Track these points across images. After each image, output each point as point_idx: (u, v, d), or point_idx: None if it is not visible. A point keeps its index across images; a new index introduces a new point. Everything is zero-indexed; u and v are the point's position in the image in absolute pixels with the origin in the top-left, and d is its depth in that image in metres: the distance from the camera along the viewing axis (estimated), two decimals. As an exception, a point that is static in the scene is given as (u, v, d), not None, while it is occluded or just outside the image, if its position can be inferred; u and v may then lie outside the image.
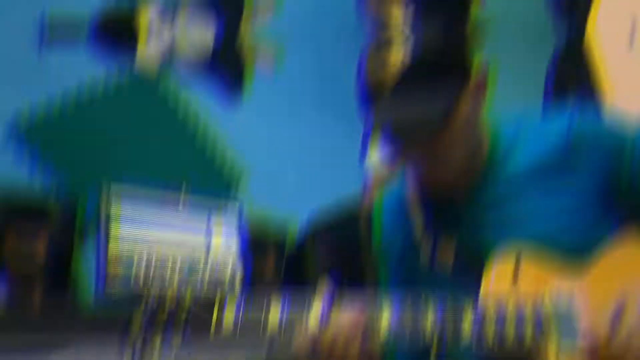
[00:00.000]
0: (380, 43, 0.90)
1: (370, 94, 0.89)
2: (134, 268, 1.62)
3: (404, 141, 0.89)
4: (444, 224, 0.96)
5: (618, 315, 0.74)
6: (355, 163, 2.96)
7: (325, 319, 0.79)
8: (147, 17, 2.19)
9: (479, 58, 0.93)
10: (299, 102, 2.82)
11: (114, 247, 1.62)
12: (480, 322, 0.78)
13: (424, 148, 0.88)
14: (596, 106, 1.96)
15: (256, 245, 2.01)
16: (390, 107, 0.86)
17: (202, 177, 2.27)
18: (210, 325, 0.81)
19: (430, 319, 0.78)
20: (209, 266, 1.80)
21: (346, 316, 0.79)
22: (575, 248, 0.86)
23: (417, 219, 0.99)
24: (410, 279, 1.05)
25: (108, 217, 1.65)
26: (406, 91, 0.85)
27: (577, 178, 0.89)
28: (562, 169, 0.90)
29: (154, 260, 1.66)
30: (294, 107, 2.79)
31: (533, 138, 0.95)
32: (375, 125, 0.86)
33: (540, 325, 0.78)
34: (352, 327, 0.78)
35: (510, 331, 0.78)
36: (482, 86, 0.92)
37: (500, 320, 0.78)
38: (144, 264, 1.64)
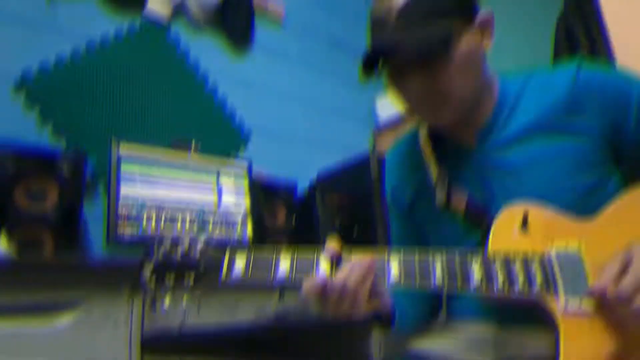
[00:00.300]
0: None
1: (376, 26, 0.88)
2: (143, 224, 1.64)
3: (408, 71, 0.88)
4: (455, 174, 0.97)
5: (626, 261, 0.75)
6: (364, 120, 2.97)
7: (334, 267, 0.80)
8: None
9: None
10: (308, 61, 2.80)
11: (123, 204, 1.64)
12: (489, 267, 0.79)
13: (426, 79, 0.87)
14: (604, 58, 1.93)
15: (266, 201, 2.02)
16: (394, 36, 0.85)
17: (210, 135, 2.28)
18: (220, 276, 0.81)
19: (439, 265, 0.79)
20: (218, 222, 1.82)
21: (356, 261, 0.80)
22: (580, 201, 0.87)
23: (431, 166, 1.00)
24: (422, 226, 1.06)
25: (117, 175, 1.66)
26: (410, 22, 0.84)
27: (582, 119, 0.89)
28: (568, 110, 0.90)
29: (163, 217, 1.68)
30: (301, 66, 2.77)
31: (541, 85, 0.95)
32: (380, 57, 0.86)
33: (549, 272, 0.80)
34: (362, 271, 0.79)
35: (520, 277, 0.79)
36: (486, 25, 0.91)
37: (510, 267, 0.79)
38: (153, 221, 1.66)
